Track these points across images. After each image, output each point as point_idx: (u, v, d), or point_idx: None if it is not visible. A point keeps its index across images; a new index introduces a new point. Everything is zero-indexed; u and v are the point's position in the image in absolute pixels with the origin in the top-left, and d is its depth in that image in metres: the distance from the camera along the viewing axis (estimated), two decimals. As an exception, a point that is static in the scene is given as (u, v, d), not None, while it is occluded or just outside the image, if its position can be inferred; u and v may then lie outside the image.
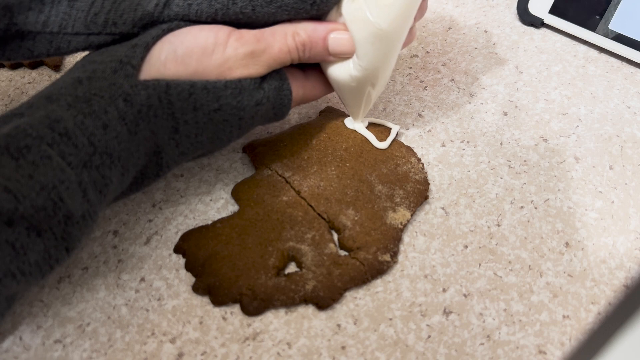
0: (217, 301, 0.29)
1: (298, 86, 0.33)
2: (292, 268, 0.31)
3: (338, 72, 0.33)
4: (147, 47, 0.28)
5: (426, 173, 0.36)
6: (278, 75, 0.31)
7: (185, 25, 0.29)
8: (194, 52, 0.28)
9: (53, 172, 0.24)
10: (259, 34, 0.30)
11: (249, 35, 0.29)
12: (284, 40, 0.30)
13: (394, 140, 0.37)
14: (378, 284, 0.31)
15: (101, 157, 0.25)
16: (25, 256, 0.23)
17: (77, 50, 0.30)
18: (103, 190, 0.26)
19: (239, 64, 0.29)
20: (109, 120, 0.26)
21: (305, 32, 0.30)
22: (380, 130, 0.37)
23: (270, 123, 0.34)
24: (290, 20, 0.31)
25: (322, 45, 0.31)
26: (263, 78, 0.31)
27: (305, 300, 0.29)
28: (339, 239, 0.32)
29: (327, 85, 0.35)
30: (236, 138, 0.31)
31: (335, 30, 0.31)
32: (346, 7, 0.31)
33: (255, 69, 0.30)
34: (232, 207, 0.34)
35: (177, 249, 0.32)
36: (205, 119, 0.29)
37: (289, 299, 0.29)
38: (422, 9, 0.33)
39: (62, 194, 0.24)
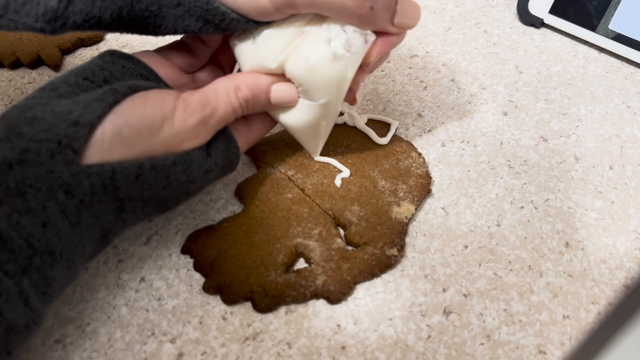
0: (229, 300, 0.29)
1: (243, 138, 0.31)
2: (300, 264, 0.31)
3: (285, 116, 0.32)
4: (92, 128, 0.24)
5: (428, 167, 0.36)
6: (224, 136, 0.30)
7: (129, 92, 0.26)
8: (141, 132, 0.26)
9: None
10: (202, 98, 0.28)
11: (194, 102, 0.28)
12: (227, 99, 0.29)
13: (394, 135, 0.37)
14: (378, 284, 0.31)
15: (42, 258, 0.23)
16: None
17: None
18: (47, 290, 0.23)
19: (188, 135, 0.27)
20: (49, 217, 0.23)
21: (247, 87, 0.29)
22: (380, 126, 0.38)
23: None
24: (200, 29, 0.28)
25: (264, 98, 0.30)
26: (209, 143, 0.29)
27: (316, 295, 0.30)
28: (345, 235, 0.32)
29: (270, 122, 0.33)
30: (184, 202, 0.30)
31: (278, 82, 0.30)
32: (289, 64, 0.29)
33: (204, 137, 0.28)
34: (232, 207, 0.34)
35: (185, 250, 0.32)
36: (152, 195, 0.27)
37: (300, 295, 0.29)
38: (369, 56, 0.30)
39: (1, 308, 0.21)
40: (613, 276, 0.31)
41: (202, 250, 0.31)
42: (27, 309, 0.22)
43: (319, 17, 0.28)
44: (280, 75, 0.30)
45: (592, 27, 0.45)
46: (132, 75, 0.29)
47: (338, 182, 0.34)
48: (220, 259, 0.31)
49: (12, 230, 0.22)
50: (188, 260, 0.31)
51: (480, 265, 0.32)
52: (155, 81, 0.29)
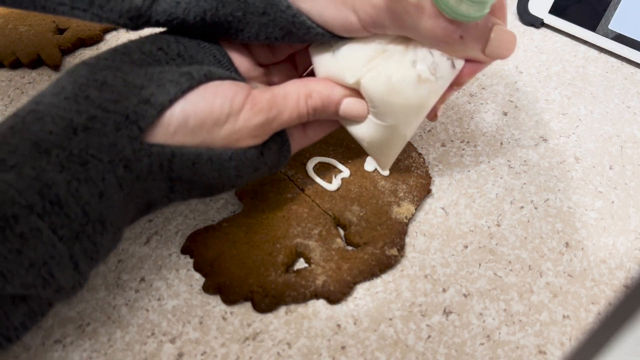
0: (229, 300, 0.29)
1: (296, 142, 0.31)
2: (300, 264, 0.31)
3: (354, 128, 0.31)
4: (162, 110, 0.25)
5: (428, 167, 0.36)
6: (280, 138, 0.29)
7: (204, 80, 0.26)
8: (205, 123, 0.26)
9: (44, 247, 0.22)
10: (272, 99, 0.28)
11: (262, 101, 0.27)
12: (295, 105, 0.28)
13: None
14: (378, 284, 0.31)
15: (94, 226, 0.23)
16: (8, 321, 0.23)
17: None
18: (94, 256, 0.24)
19: (248, 134, 0.27)
20: (106, 189, 0.23)
21: (319, 96, 0.29)
22: None
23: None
24: (283, 38, 0.28)
25: (333, 109, 0.29)
26: (265, 143, 0.28)
27: (316, 295, 0.30)
28: (345, 235, 0.32)
29: (326, 130, 0.32)
30: (227, 191, 0.31)
31: (350, 96, 0.29)
32: (365, 76, 0.28)
33: (262, 138, 0.28)
34: (232, 207, 0.34)
35: (185, 250, 0.32)
36: (201, 181, 0.28)
37: (300, 295, 0.29)
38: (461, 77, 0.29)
39: (52, 270, 0.22)
40: (613, 276, 0.31)
41: (202, 250, 0.31)
42: (76, 273, 0.23)
43: (404, 37, 0.27)
44: (354, 90, 0.29)
45: (592, 27, 0.45)
46: (205, 55, 0.28)
47: (338, 182, 0.34)
48: (220, 259, 0.31)
49: (70, 197, 0.22)
50: (188, 260, 0.31)
51: (480, 265, 0.32)
52: (227, 67, 0.29)
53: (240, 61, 0.30)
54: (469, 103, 0.41)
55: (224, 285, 0.30)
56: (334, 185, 0.34)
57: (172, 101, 0.25)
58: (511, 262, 0.32)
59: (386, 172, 0.35)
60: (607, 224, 0.34)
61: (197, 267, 0.31)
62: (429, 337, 0.29)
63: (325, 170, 0.35)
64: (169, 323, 0.29)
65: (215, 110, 0.26)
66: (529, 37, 0.47)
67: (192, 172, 0.26)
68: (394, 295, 0.30)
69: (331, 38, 0.28)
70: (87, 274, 0.25)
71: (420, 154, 0.36)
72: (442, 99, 0.29)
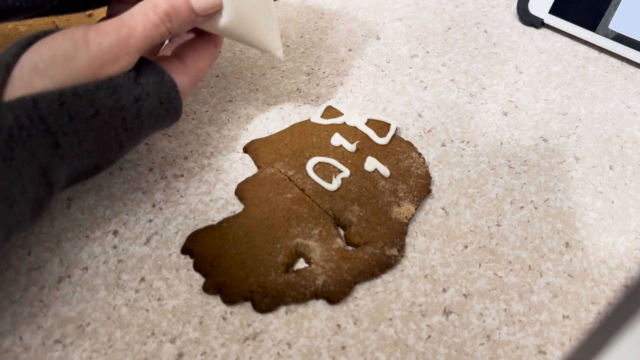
0: (228, 300, 0.29)
1: (180, 76, 0.31)
2: (300, 264, 0.31)
3: (221, 24, 0.31)
4: (9, 67, 0.25)
5: (428, 167, 0.36)
6: (154, 69, 0.30)
7: (42, 35, 0.27)
8: (55, 61, 0.26)
9: None
10: (117, 21, 0.28)
11: (107, 25, 0.27)
12: (145, 17, 0.28)
13: (394, 135, 0.37)
14: (378, 284, 0.31)
15: None
16: None
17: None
18: None
19: (107, 58, 0.27)
20: None
21: (165, 1, 0.29)
22: (380, 126, 0.38)
23: (169, 125, 0.32)
24: None
25: (185, 8, 0.30)
26: (138, 73, 0.29)
27: (316, 295, 0.30)
28: (345, 235, 0.32)
29: (202, 55, 0.33)
30: (128, 142, 0.30)
31: None
32: None
33: (126, 60, 0.28)
34: (232, 207, 0.34)
35: (185, 250, 0.32)
36: (84, 126, 0.27)
37: (300, 295, 0.29)
38: None
39: None
40: (613, 276, 0.31)
41: (202, 250, 0.31)
42: None
43: None
44: None
45: (592, 27, 0.45)
46: None
47: (338, 182, 0.34)
48: (220, 259, 0.31)
49: None
50: (188, 260, 0.31)
51: (480, 265, 0.32)
52: None
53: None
54: (469, 103, 0.41)
55: (224, 285, 0.30)
56: (334, 185, 0.34)
57: (14, 56, 0.25)
58: (511, 262, 0.32)
59: (280, 52, 0.35)
60: (607, 224, 0.34)
61: (197, 267, 0.31)
62: (429, 337, 0.29)
63: (325, 170, 0.35)
64: (169, 323, 0.29)
65: (58, 46, 0.26)
66: (529, 37, 0.47)
67: (67, 116, 0.26)
68: (394, 295, 0.30)
69: None
70: None
71: (420, 154, 0.36)
72: None
